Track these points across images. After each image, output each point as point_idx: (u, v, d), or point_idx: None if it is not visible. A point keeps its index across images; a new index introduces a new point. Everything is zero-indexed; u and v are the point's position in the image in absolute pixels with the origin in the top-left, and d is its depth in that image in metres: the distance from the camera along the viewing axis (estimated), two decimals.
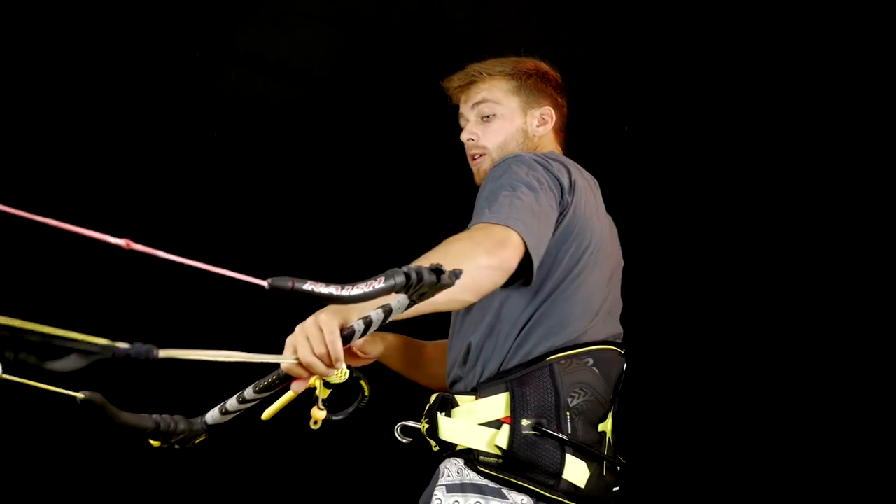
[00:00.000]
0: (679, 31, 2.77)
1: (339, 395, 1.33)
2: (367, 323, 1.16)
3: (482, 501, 1.52)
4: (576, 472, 1.53)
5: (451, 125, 2.00)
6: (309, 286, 0.95)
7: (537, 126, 1.85)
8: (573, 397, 1.55)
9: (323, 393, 1.27)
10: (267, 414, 1.32)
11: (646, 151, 2.82)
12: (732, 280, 2.79)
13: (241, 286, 0.93)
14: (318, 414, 1.28)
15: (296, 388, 1.22)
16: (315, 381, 1.25)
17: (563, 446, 1.52)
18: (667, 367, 2.75)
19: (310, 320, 1.18)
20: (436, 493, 1.56)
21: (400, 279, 1.02)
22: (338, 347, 1.16)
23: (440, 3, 2.79)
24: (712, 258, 2.79)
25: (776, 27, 2.70)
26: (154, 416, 1.18)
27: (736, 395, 2.75)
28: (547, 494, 1.52)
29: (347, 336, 1.17)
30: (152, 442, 1.21)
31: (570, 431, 1.53)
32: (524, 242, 1.44)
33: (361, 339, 1.84)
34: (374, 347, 1.86)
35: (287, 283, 0.93)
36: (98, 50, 2.72)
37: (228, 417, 1.25)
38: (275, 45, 2.81)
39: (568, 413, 1.54)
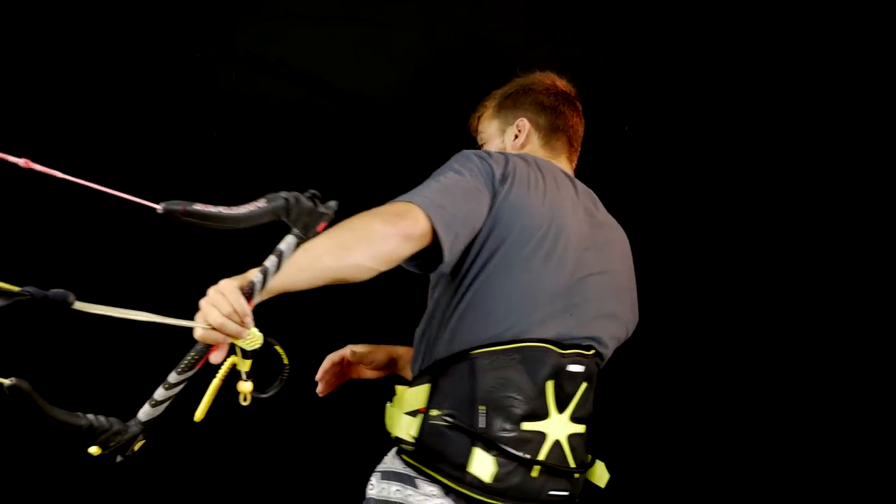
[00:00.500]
0: (679, 30, 2.76)
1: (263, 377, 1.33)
2: (264, 272, 1.20)
3: (400, 489, 1.55)
4: (482, 466, 1.51)
5: (453, 125, 2.02)
6: (199, 206, 1.03)
7: (514, 140, 1.89)
8: (491, 391, 1.53)
9: (244, 365, 1.27)
10: (199, 414, 1.30)
11: (646, 151, 2.82)
12: (731, 280, 2.78)
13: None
14: (245, 387, 1.27)
15: (215, 359, 1.23)
16: (234, 360, 1.26)
17: (473, 440, 1.51)
18: (666, 368, 2.75)
19: (210, 290, 1.22)
20: (371, 478, 1.61)
21: (280, 201, 1.10)
22: (242, 303, 1.20)
23: (440, 3, 2.79)
24: (712, 258, 2.78)
25: (776, 27, 2.70)
26: (88, 415, 1.16)
27: (735, 396, 2.74)
28: (454, 486, 1.51)
29: (248, 292, 1.21)
30: (92, 451, 1.18)
31: (481, 426, 1.51)
32: (428, 216, 1.44)
33: (361, 352, 1.90)
34: (376, 356, 1.94)
35: (178, 206, 1.01)
36: (98, 49, 2.73)
37: (161, 408, 1.24)
38: (275, 45, 2.82)
39: (483, 407, 1.52)
